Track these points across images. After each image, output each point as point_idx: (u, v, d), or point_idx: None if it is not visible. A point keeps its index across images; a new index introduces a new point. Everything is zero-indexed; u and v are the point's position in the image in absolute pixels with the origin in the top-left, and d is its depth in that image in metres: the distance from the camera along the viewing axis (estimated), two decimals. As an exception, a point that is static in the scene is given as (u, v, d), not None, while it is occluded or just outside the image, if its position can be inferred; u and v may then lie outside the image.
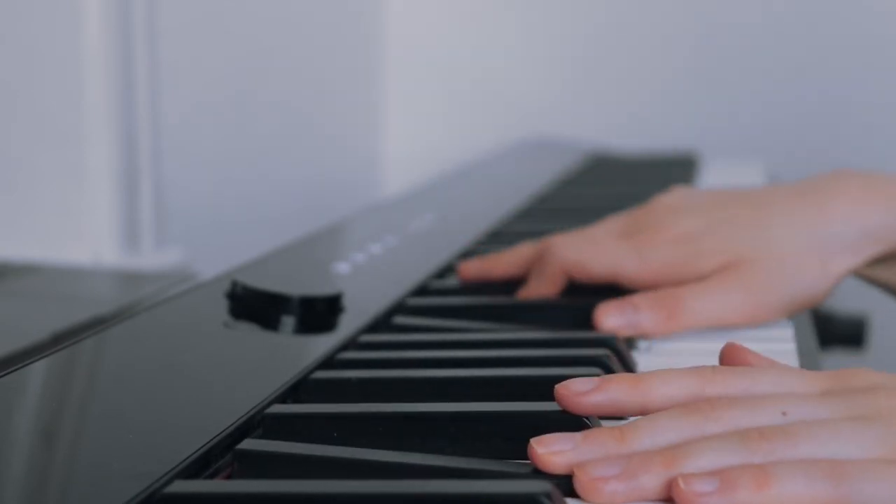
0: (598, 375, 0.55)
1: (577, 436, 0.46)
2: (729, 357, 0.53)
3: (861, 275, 0.76)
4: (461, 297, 0.77)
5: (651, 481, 0.44)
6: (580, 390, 0.49)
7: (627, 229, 0.76)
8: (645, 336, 0.69)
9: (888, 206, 0.72)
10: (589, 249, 0.74)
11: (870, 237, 0.72)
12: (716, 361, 0.53)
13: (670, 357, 0.66)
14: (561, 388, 0.49)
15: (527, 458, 0.46)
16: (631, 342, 0.68)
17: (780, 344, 0.67)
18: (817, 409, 0.47)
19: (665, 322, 0.68)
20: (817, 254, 0.71)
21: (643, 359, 0.65)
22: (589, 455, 0.45)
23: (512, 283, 0.78)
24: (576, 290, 0.76)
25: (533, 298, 0.74)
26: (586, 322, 0.69)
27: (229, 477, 0.47)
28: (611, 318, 0.68)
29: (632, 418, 0.49)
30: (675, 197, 0.78)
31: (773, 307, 0.70)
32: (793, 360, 0.63)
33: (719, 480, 0.43)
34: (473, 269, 0.79)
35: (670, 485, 0.44)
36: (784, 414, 0.47)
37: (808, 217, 0.72)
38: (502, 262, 0.78)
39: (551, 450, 0.46)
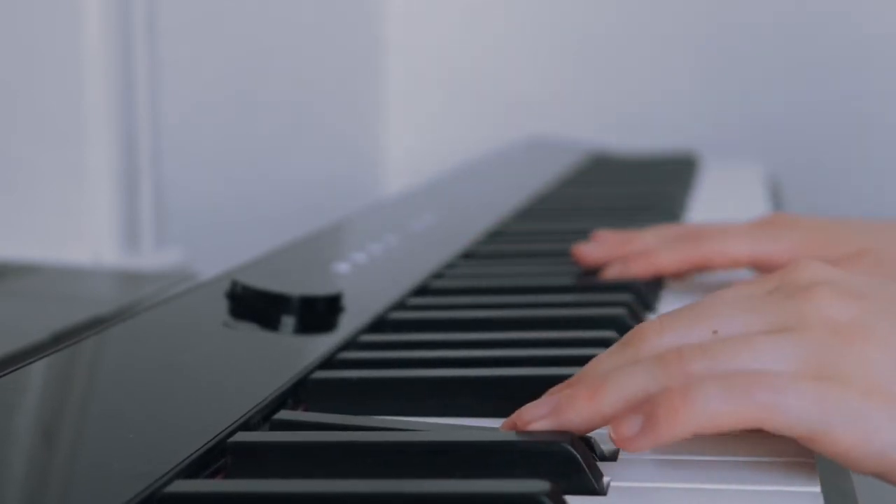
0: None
1: (552, 398, 0.47)
2: None
3: None
4: (461, 297, 0.77)
5: (577, 415, 0.45)
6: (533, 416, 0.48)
7: (759, 225, 0.78)
8: None
9: None
10: (729, 235, 0.76)
11: None
12: None
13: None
14: (517, 422, 0.48)
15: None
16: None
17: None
18: (749, 320, 0.47)
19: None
20: None
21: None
22: (566, 415, 0.46)
23: (513, 286, 0.78)
24: (576, 289, 0.76)
25: (536, 298, 0.74)
26: (592, 324, 0.69)
27: (226, 473, 0.47)
28: None
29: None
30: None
31: None
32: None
33: (642, 416, 0.44)
34: (596, 252, 0.79)
35: (596, 417, 0.45)
36: (715, 332, 0.46)
37: None
38: (640, 238, 0.79)
39: (524, 418, 0.47)
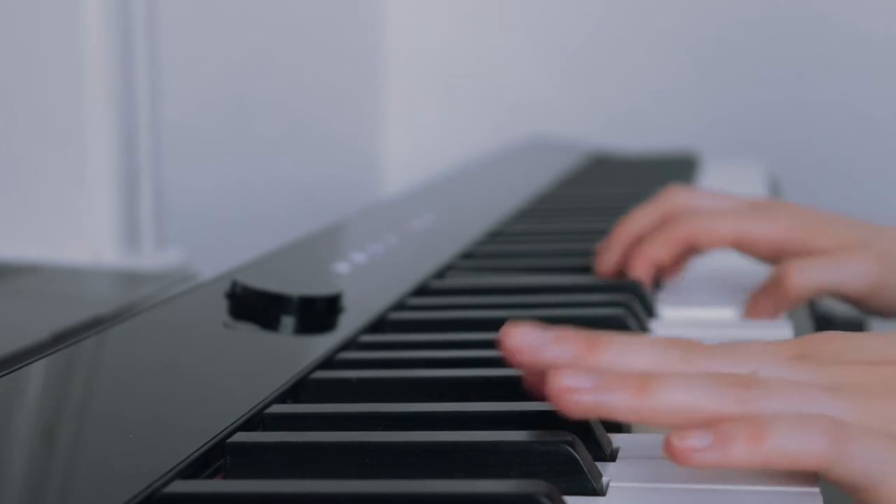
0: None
1: (548, 334, 0.46)
2: None
3: None
4: (461, 297, 0.77)
5: (620, 401, 0.44)
6: (524, 345, 0.47)
7: (750, 206, 0.79)
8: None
9: None
10: (715, 215, 0.76)
11: None
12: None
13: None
14: (504, 337, 0.47)
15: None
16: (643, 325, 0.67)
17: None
18: (787, 373, 0.47)
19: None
20: None
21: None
22: (557, 355, 0.45)
23: (514, 287, 0.78)
24: (577, 289, 0.76)
25: (535, 298, 0.74)
26: (590, 322, 0.69)
27: (225, 474, 0.47)
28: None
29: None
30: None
31: (885, 295, 0.73)
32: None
33: (713, 435, 0.43)
34: (609, 264, 0.79)
35: (638, 410, 0.44)
36: (754, 372, 0.47)
37: None
38: (628, 225, 0.79)
39: (518, 342, 0.46)
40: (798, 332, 0.71)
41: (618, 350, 0.47)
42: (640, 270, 0.76)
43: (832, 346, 0.50)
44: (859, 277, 0.73)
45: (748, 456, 0.43)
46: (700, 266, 0.81)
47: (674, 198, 0.80)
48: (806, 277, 0.72)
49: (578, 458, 0.45)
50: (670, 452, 0.43)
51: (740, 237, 0.75)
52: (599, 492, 0.45)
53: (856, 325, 1.38)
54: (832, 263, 0.73)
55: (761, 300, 0.73)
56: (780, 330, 0.71)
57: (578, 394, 0.44)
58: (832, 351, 0.49)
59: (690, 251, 0.77)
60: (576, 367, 0.45)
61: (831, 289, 0.73)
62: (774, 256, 0.75)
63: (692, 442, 0.43)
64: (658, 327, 0.71)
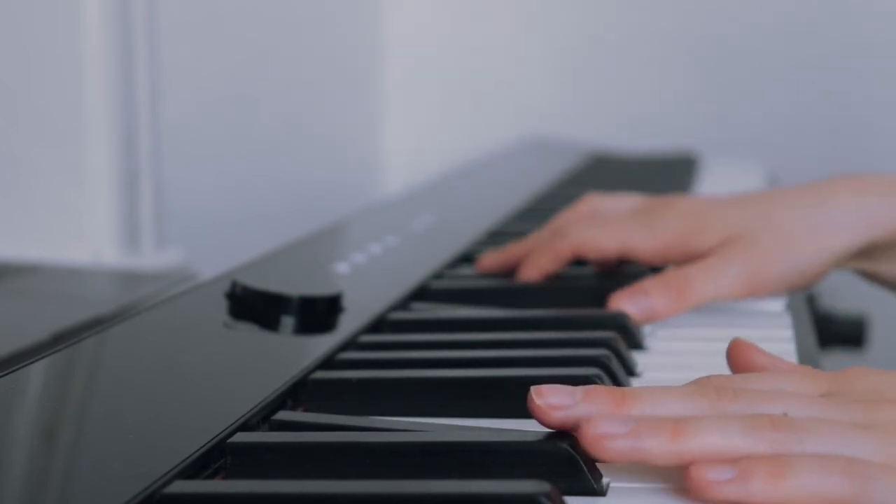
0: (597, 375, 0.55)
1: (577, 391, 0.46)
2: (735, 355, 0.53)
3: (853, 267, 0.79)
4: (461, 298, 0.77)
5: (657, 446, 0.44)
6: (555, 404, 0.47)
7: (637, 213, 0.80)
8: (658, 318, 0.71)
9: (883, 198, 0.76)
10: (600, 227, 0.78)
11: (866, 222, 0.75)
12: (721, 361, 0.53)
13: (671, 356, 0.66)
14: (534, 396, 0.47)
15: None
16: (632, 340, 0.68)
17: (780, 344, 0.67)
18: (819, 411, 0.47)
19: (676, 302, 0.72)
20: (816, 232, 0.75)
21: (643, 358, 0.65)
22: (587, 413, 0.45)
23: (514, 287, 0.78)
24: (577, 289, 0.76)
25: (535, 299, 0.74)
26: (590, 324, 0.69)
27: (225, 474, 0.47)
28: (624, 307, 0.71)
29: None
30: (684, 197, 0.82)
31: (772, 280, 0.74)
32: (793, 360, 0.63)
33: (735, 469, 0.43)
34: (491, 261, 0.81)
35: (676, 454, 0.44)
36: (785, 414, 0.47)
37: (809, 204, 0.76)
38: (523, 245, 0.80)
39: (549, 402, 0.46)
40: (798, 331, 0.71)
41: (648, 401, 0.47)
42: (528, 276, 0.78)
43: (864, 381, 0.50)
44: (736, 280, 0.73)
45: (768, 493, 0.43)
46: None
47: (573, 210, 0.82)
48: (695, 299, 0.72)
49: (578, 458, 0.45)
50: (691, 483, 0.44)
51: (623, 250, 0.77)
52: (599, 492, 0.45)
53: (857, 324, 1.38)
54: (706, 276, 0.73)
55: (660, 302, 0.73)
56: (782, 330, 0.71)
57: (614, 440, 0.44)
58: (864, 387, 0.49)
59: (575, 259, 0.79)
60: (609, 415, 0.45)
61: (715, 298, 0.73)
62: (661, 263, 0.77)
63: (714, 474, 0.43)
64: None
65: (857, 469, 0.44)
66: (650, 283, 0.72)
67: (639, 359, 0.64)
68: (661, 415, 0.46)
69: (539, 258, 0.78)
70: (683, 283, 0.72)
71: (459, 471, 0.45)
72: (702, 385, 0.48)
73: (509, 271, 0.80)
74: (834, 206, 0.76)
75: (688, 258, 0.75)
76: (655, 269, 0.79)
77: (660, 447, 0.44)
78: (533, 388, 0.46)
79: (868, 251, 0.76)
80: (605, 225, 0.78)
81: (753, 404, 0.47)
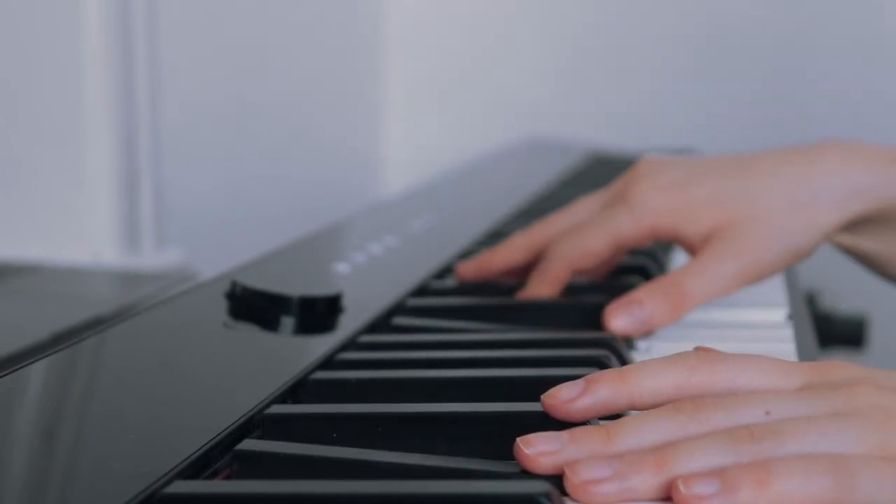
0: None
1: (564, 435, 0.46)
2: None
3: (840, 242, 0.77)
4: (461, 298, 0.77)
5: (643, 482, 0.44)
6: (567, 398, 0.48)
7: (610, 200, 0.77)
8: (654, 327, 0.69)
9: (869, 168, 0.73)
10: (582, 233, 0.74)
11: (853, 194, 0.73)
12: None
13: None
14: (548, 399, 0.49)
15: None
16: (630, 342, 0.68)
17: (780, 344, 0.67)
18: (799, 406, 0.47)
19: (671, 310, 0.69)
20: (803, 208, 0.73)
21: (642, 359, 0.65)
22: (576, 455, 0.45)
23: (512, 283, 0.78)
24: (574, 289, 0.76)
25: (532, 298, 0.74)
26: (587, 321, 0.69)
27: (229, 477, 0.47)
28: (619, 320, 0.68)
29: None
30: (651, 160, 0.78)
31: (766, 266, 0.72)
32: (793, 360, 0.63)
33: (720, 481, 0.43)
34: (471, 268, 0.79)
35: (664, 486, 0.44)
36: (767, 413, 0.47)
37: (793, 173, 0.74)
38: (498, 257, 0.78)
39: (538, 450, 0.46)
40: (798, 331, 0.71)
41: (632, 431, 0.47)
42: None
43: (842, 371, 0.50)
44: (730, 277, 0.71)
45: (755, 501, 0.43)
46: None
47: (540, 229, 0.79)
48: (691, 303, 0.71)
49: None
50: (678, 499, 0.44)
51: (615, 245, 0.74)
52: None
53: (857, 324, 1.38)
54: (699, 279, 0.71)
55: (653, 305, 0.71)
56: (782, 330, 0.71)
57: (601, 485, 0.44)
58: (842, 376, 0.49)
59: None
60: (591, 459, 0.45)
61: (711, 298, 0.72)
62: (651, 243, 0.75)
63: (699, 489, 0.43)
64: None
65: (841, 466, 0.44)
66: (643, 293, 0.69)
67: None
68: (647, 442, 0.46)
69: (538, 288, 0.74)
70: (677, 289, 0.70)
71: (459, 471, 0.45)
72: (678, 403, 0.48)
73: (490, 277, 0.78)
74: (818, 174, 0.73)
75: (676, 241, 0.74)
76: (648, 276, 0.78)
77: (645, 483, 0.44)
78: (520, 439, 0.46)
79: (851, 225, 0.74)
80: (584, 230, 0.74)
81: (733, 410, 0.47)
